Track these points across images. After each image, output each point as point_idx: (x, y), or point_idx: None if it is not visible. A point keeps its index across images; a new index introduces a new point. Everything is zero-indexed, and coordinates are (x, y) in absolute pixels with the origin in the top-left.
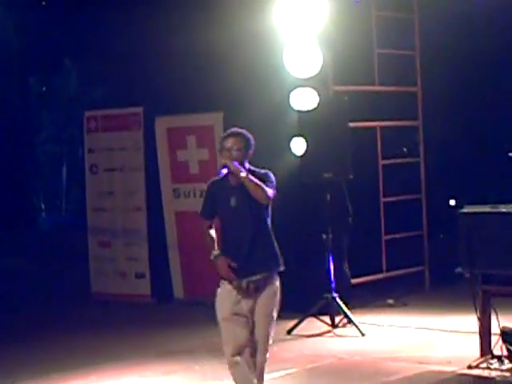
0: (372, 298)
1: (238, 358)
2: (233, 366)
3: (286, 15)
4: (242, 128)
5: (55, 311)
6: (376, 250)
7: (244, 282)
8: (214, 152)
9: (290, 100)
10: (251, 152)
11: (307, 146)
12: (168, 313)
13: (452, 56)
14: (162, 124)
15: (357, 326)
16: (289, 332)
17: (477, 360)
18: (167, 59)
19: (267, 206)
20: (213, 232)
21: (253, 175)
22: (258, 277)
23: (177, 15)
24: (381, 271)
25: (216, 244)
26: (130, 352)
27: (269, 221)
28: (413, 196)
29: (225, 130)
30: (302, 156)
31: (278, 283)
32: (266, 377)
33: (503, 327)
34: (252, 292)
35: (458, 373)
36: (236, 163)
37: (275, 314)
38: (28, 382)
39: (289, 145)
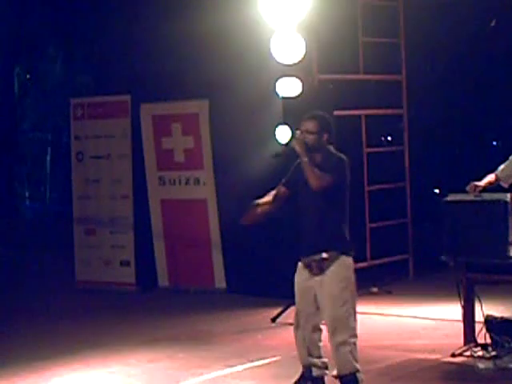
0: (356, 286)
1: (296, 329)
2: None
3: (272, 3)
4: (226, 115)
5: (39, 299)
6: (360, 238)
7: (307, 260)
8: (199, 140)
9: (275, 88)
10: (327, 136)
11: (292, 134)
12: (153, 301)
13: (437, 44)
14: (147, 111)
15: None
16: (273, 320)
17: (460, 348)
18: (154, 47)
19: (334, 188)
20: (272, 193)
21: (328, 159)
22: (318, 256)
23: (163, 3)
24: (365, 259)
25: (264, 200)
26: (115, 340)
27: (340, 201)
28: (397, 184)
29: (210, 117)
30: (286, 144)
31: (346, 264)
32: (249, 364)
33: (487, 315)
34: (316, 271)
35: (441, 361)
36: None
37: (347, 297)
38: (11, 370)
39: (273, 133)
